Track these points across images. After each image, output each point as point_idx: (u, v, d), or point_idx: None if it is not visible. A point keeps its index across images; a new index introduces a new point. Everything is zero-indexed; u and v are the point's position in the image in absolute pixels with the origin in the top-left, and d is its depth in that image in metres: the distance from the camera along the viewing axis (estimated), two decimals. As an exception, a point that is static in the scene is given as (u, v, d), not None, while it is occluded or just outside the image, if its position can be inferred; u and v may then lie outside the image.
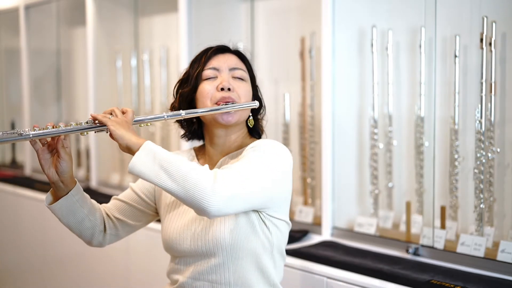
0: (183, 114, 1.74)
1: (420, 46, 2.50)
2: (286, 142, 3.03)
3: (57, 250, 3.68)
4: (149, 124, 1.73)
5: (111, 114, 1.68)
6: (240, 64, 1.85)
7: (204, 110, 1.76)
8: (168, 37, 3.76)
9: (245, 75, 1.84)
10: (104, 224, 1.90)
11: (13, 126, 5.05)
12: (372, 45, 2.62)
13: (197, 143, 1.98)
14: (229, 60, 1.84)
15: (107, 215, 1.91)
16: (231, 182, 1.56)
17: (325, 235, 2.63)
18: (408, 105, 2.67)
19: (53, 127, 1.64)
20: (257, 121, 1.90)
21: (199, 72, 1.81)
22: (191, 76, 1.83)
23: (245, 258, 1.74)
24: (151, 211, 1.94)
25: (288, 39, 3.14)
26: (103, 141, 3.99)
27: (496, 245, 2.24)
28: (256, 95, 1.89)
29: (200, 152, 1.94)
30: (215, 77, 1.81)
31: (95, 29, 3.94)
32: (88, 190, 3.86)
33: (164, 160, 1.55)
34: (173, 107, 1.87)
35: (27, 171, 4.62)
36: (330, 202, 2.63)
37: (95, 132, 1.67)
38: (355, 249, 2.46)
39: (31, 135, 1.61)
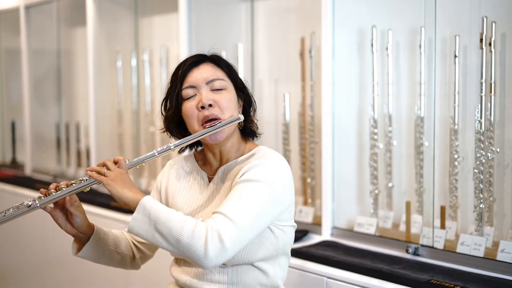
0: (172, 147, 1.77)
1: (420, 46, 2.50)
2: (286, 142, 3.03)
3: (58, 250, 3.68)
4: (143, 164, 1.78)
5: (103, 165, 1.71)
6: (217, 73, 1.81)
7: (190, 138, 1.77)
8: (168, 37, 3.76)
9: (224, 83, 1.80)
10: (132, 251, 1.94)
11: (13, 126, 5.05)
12: (372, 45, 2.62)
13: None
14: (204, 72, 1.80)
15: (132, 242, 1.95)
16: (222, 239, 1.57)
17: (325, 235, 2.63)
18: (408, 105, 2.67)
19: (55, 190, 1.73)
20: (248, 121, 1.87)
21: (178, 92, 1.80)
22: (172, 96, 1.82)
23: (248, 263, 1.75)
24: None
25: (288, 39, 3.14)
26: (103, 141, 3.99)
27: (495, 245, 2.24)
28: (242, 95, 1.86)
29: (200, 157, 1.94)
30: (194, 95, 1.79)
31: (95, 29, 3.94)
32: (88, 190, 3.86)
33: (158, 223, 1.59)
34: (165, 125, 1.88)
35: (27, 171, 4.63)
36: (330, 202, 2.63)
37: (97, 184, 1.73)
38: (355, 249, 2.46)
39: (38, 205, 1.72)
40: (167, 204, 1.90)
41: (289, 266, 2.30)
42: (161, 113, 1.88)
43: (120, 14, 4.02)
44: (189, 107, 1.78)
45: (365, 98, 2.72)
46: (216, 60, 1.84)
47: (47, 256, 3.80)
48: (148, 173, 3.79)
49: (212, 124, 1.75)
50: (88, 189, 1.74)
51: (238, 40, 3.31)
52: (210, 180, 1.87)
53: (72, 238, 1.87)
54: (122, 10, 4.02)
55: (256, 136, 1.91)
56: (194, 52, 1.88)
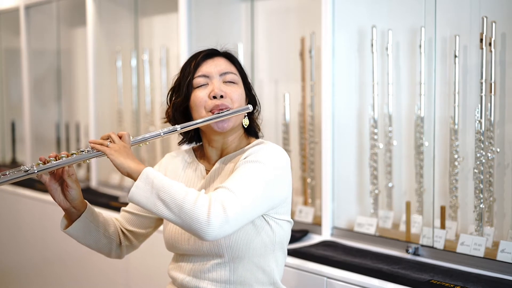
0: (179, 129, 1.76)
1: (420, 46, 2.50)
2: (286, 142, 3.03)
3: (58, 249, 3.68)
4: (147, 143, 1.77)
5: (108, 138, 1.71)
6: (230, 67, 1.84)
7: (198, 122, 1.77)
8: (168, 37, 3.76)
9: (236, 77, 1.83)
10: (119, 237, 1.93)
11: (13, 126, 5.05)
12: (372, 45, 2.62)
13: None
14: (218, 65, 1.82)
15: (120, 228, 1.94)
16: (225, 209, 1.57)
17: (325, 235, 2.63)
18: (408, 105, 2.67)
19: (55, 159, 1.70)
20: (252, 120, 1.89)
21: (190, 80, 1.81)
22: (182, 84, 1.82)
23: (246, 258, 1.75)
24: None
25: (288, 39, 3.14)
26: (103, 141, 3.99)
27: (496, 245, 2.24)
28: (249, 95, 1.88)
29: (199, 152, 1.95)
30: (206, 84, 1.80)
31: (95, 29, 3.94)
32: (88, 190, 3.87)
33: (161, 190, 1.58)
34: (168, 116, 1.88)
35: (27, 171, 4.62)
36: (330, 202, 2.63)
37: (99, 156, 1.71)
38: (355, 249, 2.46)
39: (36, 171, 1.68)
40: None
41: (289, 266, 2.31)
42: (167, 102, 1.89)
43: (120, 14, 4.02)
44: (200, 96, 1.79)
45: (365, 98, 2.72)
46: (229, 56, 1.88)
47: (47, 256, 3.80)
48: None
49: (221, 111, 1.76)
50: (88, 161, 1.73)
51: (238, 40, 3.31)
52: (207, 173, 1.88)
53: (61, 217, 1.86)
54: (122, 10, 4.02)
55: (258, 137, 1.92)
56: (196, 51, 1.89)
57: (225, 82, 1.81)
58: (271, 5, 3.26)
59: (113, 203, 3.37)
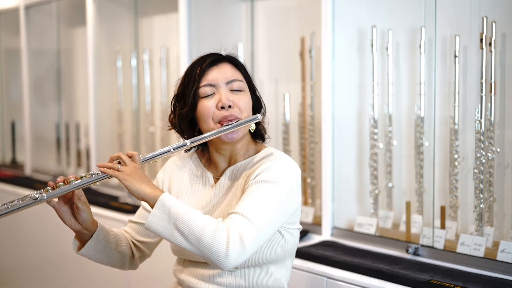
0: (189, 143, 1.73)
1: (420, 46, 2.50)
2: (286, 142, 3.03)
3: (58, 250, 3.68)
4: (156, 160, 1.73)
5: (117, 159, 1.68)
6: (236, 74, 1.80)
7: (208, 135, 1.74)
8: (168, 37, 3.76)
9: (242, 84, 1.80)
10: (131, 250, 1.91)
11: (13, 126, 5.05)
12: (372, 45, 2.62)
13: None
14: (224, 72, 1.78)
15: (131, 241, 1.92)
16: (242, 240, 1.56)
17: (325, 235, 2.63)
18: (408, 105, 2.67)
19: (64, 183, 1.66)
20: (258, 123, 1.86)
21: (195, 89, 1.76)
22: (188, 94, 1.78)
23: (258, 266, 1.75)
24: None
25: (288, 39, 3.14)
26: (103, 141, 3.99)
27: (496, 245, 2.24)
28: (254, 98, 1.86)
29: (204, 157, 1.92)
30: (213, 94, 1.76)
31: (95, 29, 3.94)
32: (88, 190, 3.86)
33: (178, 220, 1.56)
34: (173, 124, 1.85)
35: (27, 171, 4.62)
36: (330, 202, 2.63)
37: (108, 178, 1.68)
38: (355, 249, 2.46)
39: (45, 197, 1.64)
40: None
41: (289, 266, 2.31)
42: (170, 109, 1.85)
43: (120, 14, 4.02)
44: (207, 106, 1.75)
45: (365, 98, 2.72)
46: (234, 61, 1.83)
47: (47, 256, 3.80)
48: (148, 173, 3.79)
49: (230, 123, 1.74)
50: (98, 184, 1.70)
51: (238, 40, 3.31)
52: (215, 181, 1.86)
53: (72, 236, 1.84)
54: (122, 10, 4.02)
55: (264, 140, 1.90)
56: (195, 53, 1.87)
57: (231, 90, 1.78)
58: (271, 5, 3.25)
59: (113, 203, 3.37)
